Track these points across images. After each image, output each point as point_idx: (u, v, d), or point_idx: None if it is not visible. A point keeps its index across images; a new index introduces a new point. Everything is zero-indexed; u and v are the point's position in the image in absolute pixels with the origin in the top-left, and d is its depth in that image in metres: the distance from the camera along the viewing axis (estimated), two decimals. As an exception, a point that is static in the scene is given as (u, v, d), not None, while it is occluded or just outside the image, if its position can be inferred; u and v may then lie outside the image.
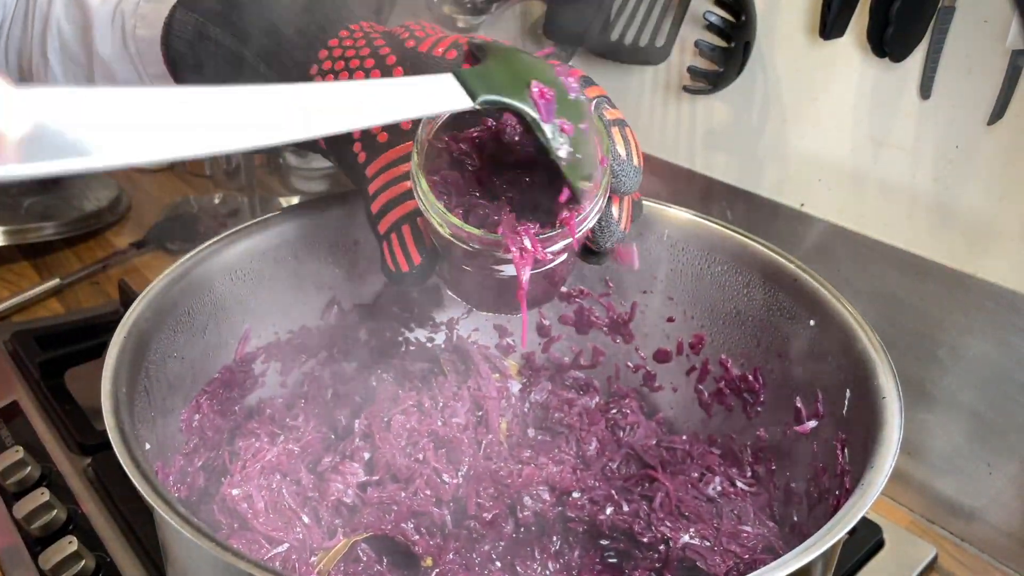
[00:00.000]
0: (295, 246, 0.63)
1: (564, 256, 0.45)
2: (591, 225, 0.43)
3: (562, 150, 0.40)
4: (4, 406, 0.78)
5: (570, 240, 0.43)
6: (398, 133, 0.49)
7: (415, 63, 0.50)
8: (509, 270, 0.44)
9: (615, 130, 0.45)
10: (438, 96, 0.37)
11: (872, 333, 0.52)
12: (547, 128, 0.40)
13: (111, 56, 0.58)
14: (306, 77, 0.51)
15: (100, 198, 1.14)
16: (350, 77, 0.50)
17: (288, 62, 0.52)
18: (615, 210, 0.47)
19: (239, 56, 0.52)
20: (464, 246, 0.43)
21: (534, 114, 0.40)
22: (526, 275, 0.42)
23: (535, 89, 0.40)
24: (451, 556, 0.55)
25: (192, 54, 0.54)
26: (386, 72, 0.50)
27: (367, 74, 0.50)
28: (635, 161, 0.45)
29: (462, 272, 0.48)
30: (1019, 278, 0.63)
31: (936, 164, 0.66)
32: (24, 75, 0.62)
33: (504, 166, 0.45)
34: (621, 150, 0.45)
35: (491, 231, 0.43)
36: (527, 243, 0.42)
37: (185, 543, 0.40)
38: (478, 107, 0.38)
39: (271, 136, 0.31)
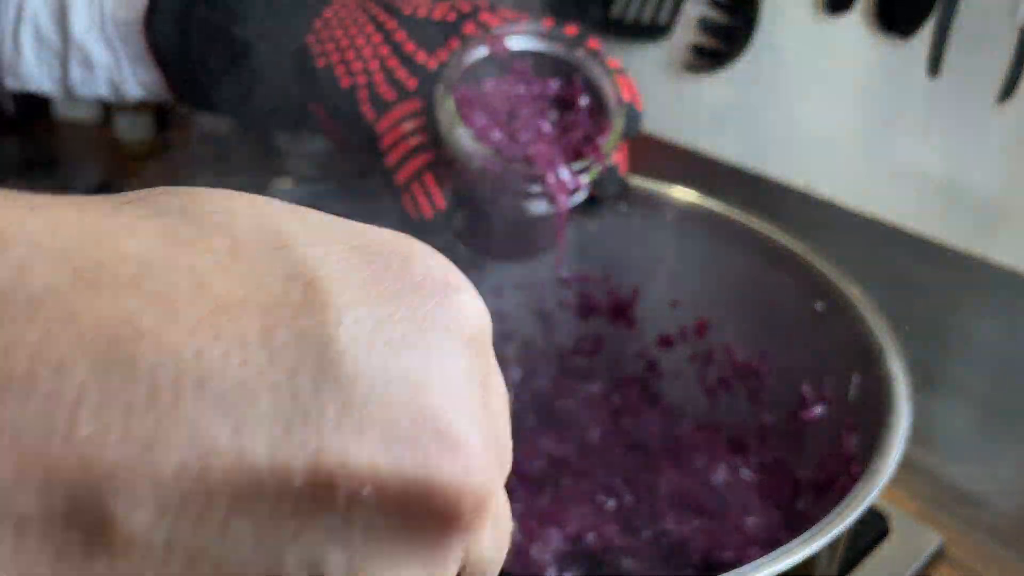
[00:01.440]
0: (289, 230, 0.62)
1: (586, 191, 0.49)
2: (612, 154, 0.47)
3: None
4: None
5: (600, 166, 0.46)
6: (403, 91, 0.50)
7: (416, 28, 0.51)
8: (537, 207, 0.47)
9: (618, 76, 0.49)
10: None
11: (880, 316, 0.51)
12: None
13: (87, 39, 0.56)
14: (302, 47, 0.51)
15: (88, 182, 1.13)
16: (351, 45, 0.51)
17: (281, 34, 0.52)
18: (616, 157, 0.51)
19: (228, 33, 0.51)
20: (494, 179, 0.46)
21: None
22: (563, 203, 0.46)
23: None
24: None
25: (177, 34, 0.52)
26: (388, 37, 0.51)
27: (368, 39, 0.51)
28: (638, 107, 0.51)
29: (482, 217, 0.50)
30: (1031, 260, 0.62)
31: (945, 142, 0.65)
32: None
33: (523, 111, 0.49)
34: (626, 95, 0.49)
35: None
36: (564, 173, 0.45)
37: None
38: None
39: None
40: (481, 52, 0.48)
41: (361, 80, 0.51)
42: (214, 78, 0.53)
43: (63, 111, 1.36)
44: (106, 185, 1.14)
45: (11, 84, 0.60)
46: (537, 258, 0.56)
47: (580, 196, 0.49)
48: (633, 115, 0.51)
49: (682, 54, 0.80)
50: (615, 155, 0.52)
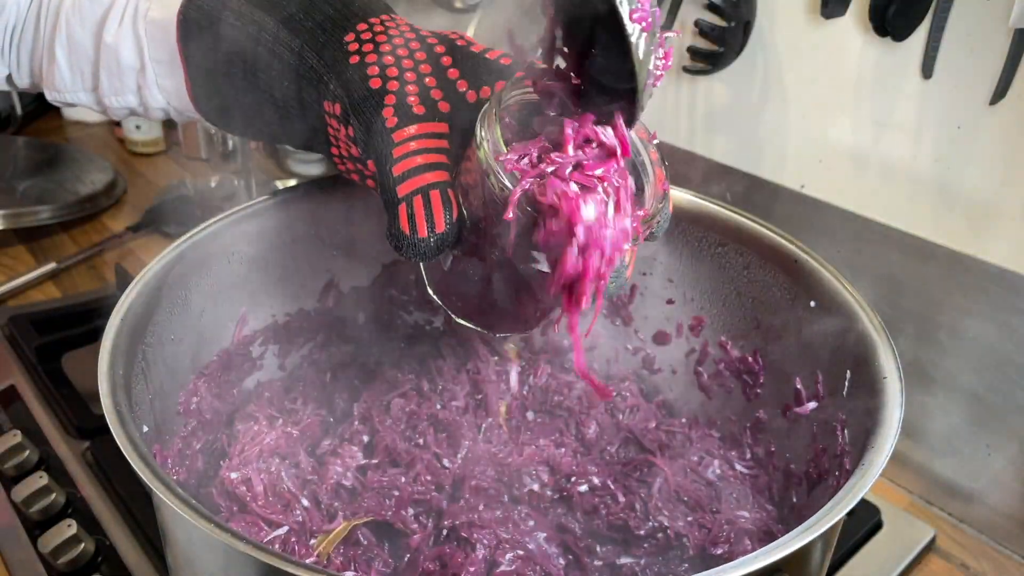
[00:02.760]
0: (292, 228, 0.63)
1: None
2: (657, 225, 0.42)
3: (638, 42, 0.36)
4: (1, 390, 0.78)
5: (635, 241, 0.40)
6: (434, 111, 0.47)
7: (465, 59, 0.48)
8: (543, 264, 0.41)
9: (658, 169, 0.44)
10: None
11: (873, 314, 0.51)
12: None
13: (117, 41, 0.57)
14: (341, 44, 0.49)
15: (95, 181, 1.14)
16: (392, 51, 0.48)
17: (318, 29, 0.49)
18: (627, 255, 0.44)
19: (259, 23, 0.50)
20: (517, 216, 0.39)
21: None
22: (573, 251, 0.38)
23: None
24: (445, 533, 0.55)
25: (208, 23, 0.52)
26: (434, 58, 0.48)
27: (411, 54, 0.48)
28: (669, 207, 0.45)
29: (481, 257, 0.45)
30: (1020, 259, 0.63)
31: (937, 145, 0.66)
32: (35, 76, 0.62)
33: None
34: (660, 190, 0.43)
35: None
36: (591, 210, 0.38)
37: (184, 525, 0.40)
38: None
39: None
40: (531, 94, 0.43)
41: (392, 86, 0.46)
42: (234, 73, 0.52)
43: (72, 111, 1.37)
44: (112, 183, 1.15)
45: (52, 97, 0.61)
46: (520, 331, 0.49)
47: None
48: (663, 214, 0.44)
49: (678, 56, 0.81)
50: (630, 266, 0.46)
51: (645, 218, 0.41)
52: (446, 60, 0.48)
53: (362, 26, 0.49)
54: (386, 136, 0.46)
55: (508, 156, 0.40)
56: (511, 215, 0.39)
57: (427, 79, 0.47)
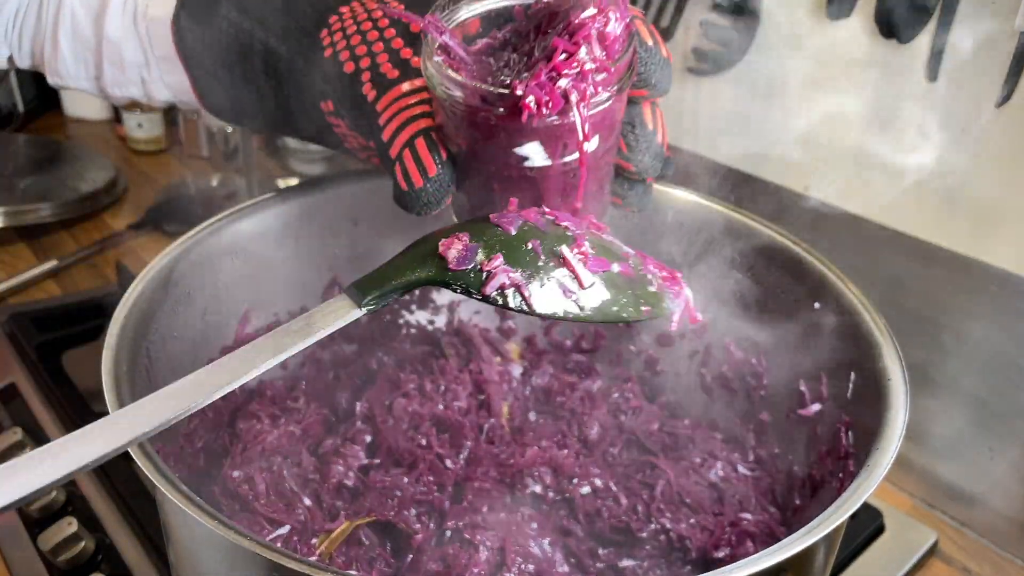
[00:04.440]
0: (294, 227, 0.63)
1: (596, 143, 0.42)
2: (608, 93, 0.40)
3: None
4: (2, 388, 0.78)
5: (611, 90, 0.39)
6: (407, 69, 0.48)
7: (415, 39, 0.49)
8: (535, 158, 0.42)
9: (639, 23, 0.43)
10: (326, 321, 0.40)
11: (877, 316, 0.51)
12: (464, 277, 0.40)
13: (120, 37, 0.58)
14: (316, 44, 0.51)
15: (96, 179, 1.13)
16: (357, 30, 0.50)
17: (298, 32, 0.51)
18: (648, 117, 0.45)
19: (248, 32, 0.52)
20: (477, 113, 0.41)
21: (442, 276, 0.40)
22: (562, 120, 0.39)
23: (443, 247, 0.41)
24: (448, 534, 0.55)
25: (202, 31, 0.53)
26: (396, 20, 0.50)
27: (375, 23, 0.50)
28: (663, 52, 0.44)
29: (482, 181, 0.45)
30: (1024, 262, 0.63)
31: (942, 147, 0.66)
32: (36, 61, 0.62)
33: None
34: (648, 39, 0.43)
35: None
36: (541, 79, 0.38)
37: (188, 522, 0.40)
38: (364, 312, 0.41)
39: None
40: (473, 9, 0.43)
41: (364, 63, 0.48)
42: (235, 76, 0.53)
43: (73, 108, 1.37)
44: (113, 181, 1.15)
45: (53, 82, 0.62)
46: None
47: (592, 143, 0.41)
48: (652, 59, 0.43)
49: (683, 57, 0.81)
50: (659, 130, 0.46)
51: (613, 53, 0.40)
52: (398, 43, 0.49)
53: (333, 18, 0.51)
54: (370, 110, 0.48)
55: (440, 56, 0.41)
56: (475, 101, 0.40)
57: (394, 42, 0.49)
